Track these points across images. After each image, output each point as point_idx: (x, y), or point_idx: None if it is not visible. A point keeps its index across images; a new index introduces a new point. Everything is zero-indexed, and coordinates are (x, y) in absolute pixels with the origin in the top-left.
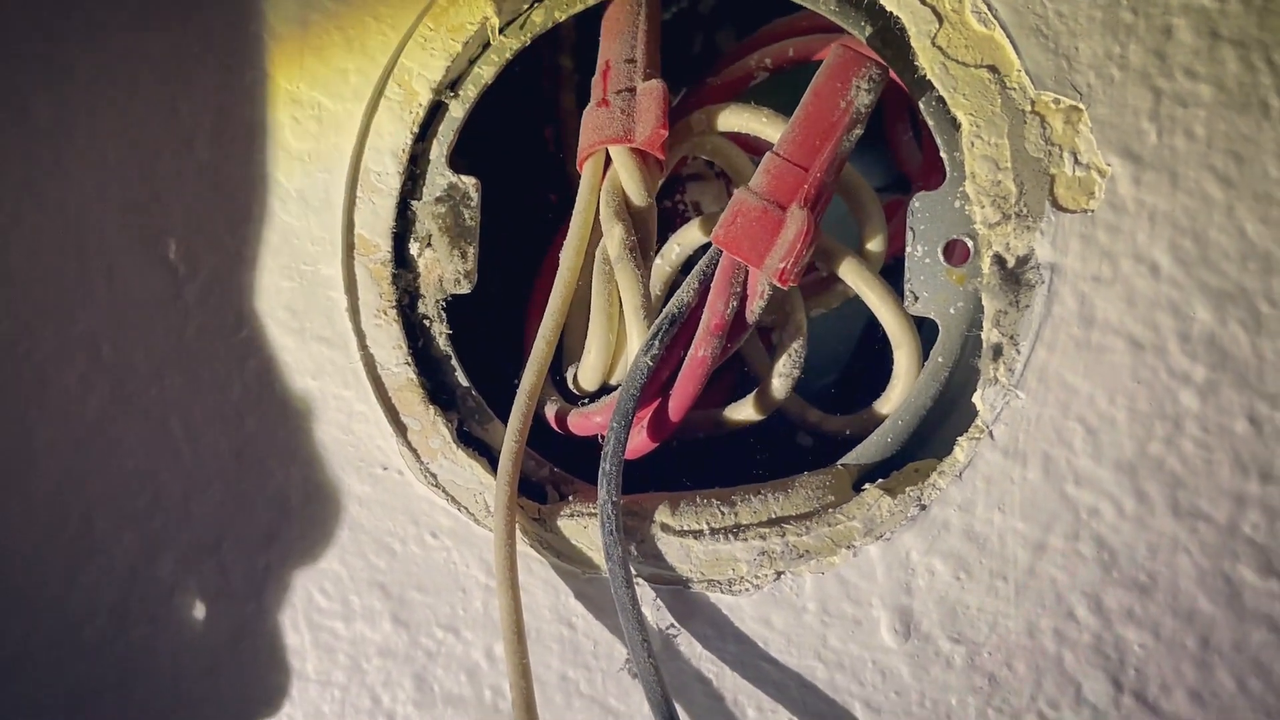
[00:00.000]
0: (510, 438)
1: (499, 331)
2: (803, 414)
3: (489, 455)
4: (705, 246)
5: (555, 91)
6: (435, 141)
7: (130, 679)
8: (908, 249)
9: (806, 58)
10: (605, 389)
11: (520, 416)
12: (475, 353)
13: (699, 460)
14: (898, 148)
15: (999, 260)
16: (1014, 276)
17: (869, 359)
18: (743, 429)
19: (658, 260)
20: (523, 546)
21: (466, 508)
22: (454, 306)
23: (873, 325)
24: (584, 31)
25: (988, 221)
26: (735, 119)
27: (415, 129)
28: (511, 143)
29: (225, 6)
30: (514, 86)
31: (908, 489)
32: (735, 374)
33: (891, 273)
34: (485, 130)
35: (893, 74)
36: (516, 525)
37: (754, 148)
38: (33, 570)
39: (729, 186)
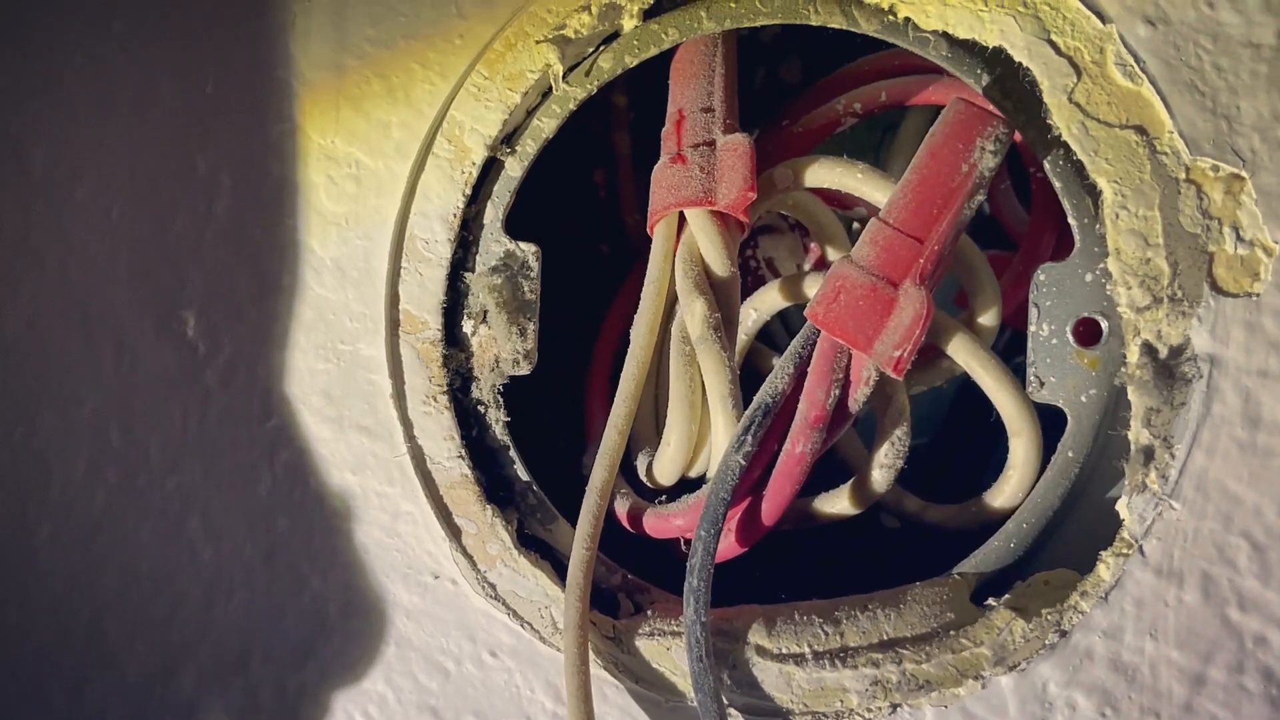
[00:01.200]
0: (580, 544)
1: (545, 400)
2: (899, 501)
3: (553, 559)
4: (788, 313)
5: (607, 132)
6: (490, 204)
7: None
8: (1031, 327)
9: (901, 102)
10: (684, 481)
11: (591, 520)
12: (520, 427)
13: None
14: (994, 199)
15: (1149, 350)
16: (1167, 369)
17: (957, 441)
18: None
19: None
20: (595, 669)
21: (530, 623)
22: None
23: (959, 404)
24: (639, 66)
25: (1135, 305)
26: (826, 175)
27: (468, 190)
28: (557, 189)
29: (248, 47)
30: (561, 127)
31: (1044, 611)
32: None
33: None
34: (528, 177)
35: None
36: (590, 645)
37: (839, 202)
38: (34, 682)
39: (804, 239)
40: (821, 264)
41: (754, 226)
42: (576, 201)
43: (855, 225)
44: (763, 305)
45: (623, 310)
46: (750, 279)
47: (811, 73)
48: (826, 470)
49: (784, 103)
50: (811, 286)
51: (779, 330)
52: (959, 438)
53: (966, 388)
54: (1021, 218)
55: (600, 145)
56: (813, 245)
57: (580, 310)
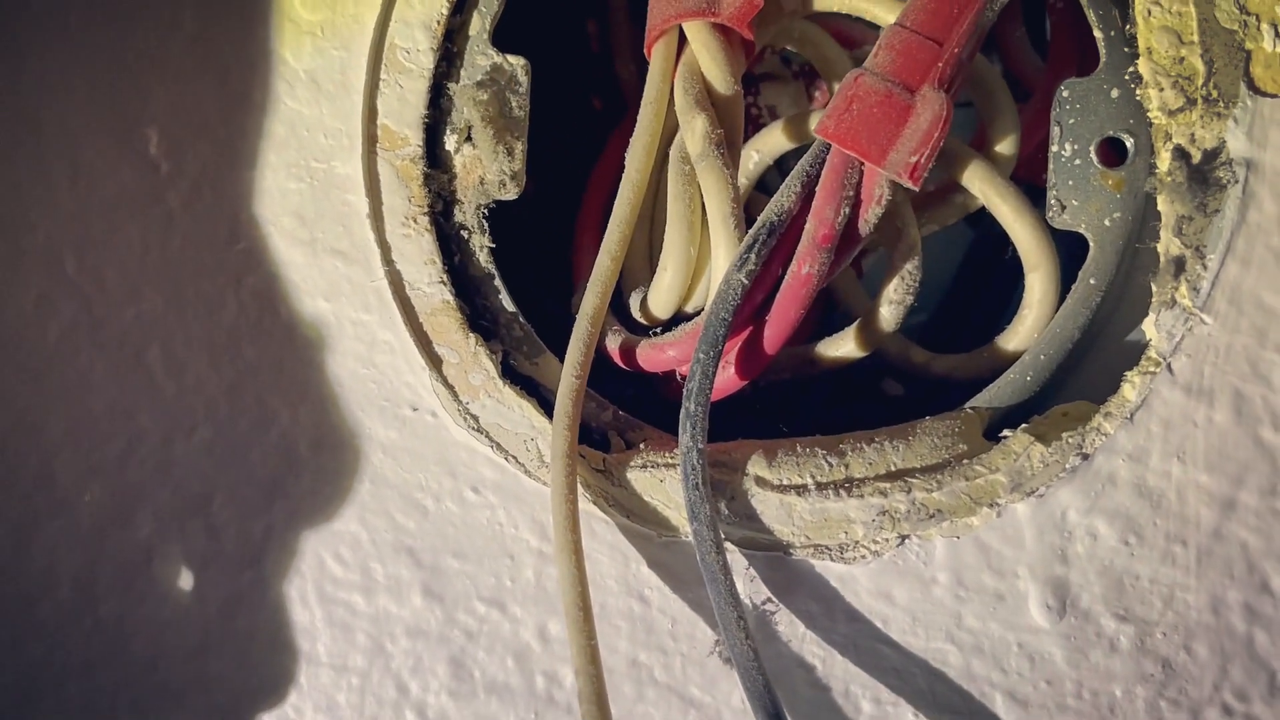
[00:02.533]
0: (569, 372)
1: (531, 253)
2: (905, 353)
3: (539, 394)
4: (794, 153)
5: None
6: (476, 13)
7: (99, 662)
8: (1053, 148)
9: None
10: (678, 318)
11: (582, 346)
12: (505, 264)
13: (763, 411)
14: (1007, 46)
15: (1181, 154)
16: (1200, 174)
17: (970, 292)
18: (828, 370)
19: None
20: (584, 504)
21: (515, 456)
22: (494, 216)
23: (973, 251)
24: None
25: (1167, 108)
26: None
27: None
28: (547, 37)
29: None
30: None
31: (1065, 435)
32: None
33: None
34: (517, 19)
35: None
36: (578, 478)
37: (847, 40)
38: None
39: (809, 88)
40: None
41: (754, 73)
42: (566, 52)
43: None
44: (765, 146)
45: (612, 160)
46: (752, 128)
47: None
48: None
49: None
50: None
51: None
52: (967, 294)
53: (974, 245)
54: (1038, 65)
55: None
56: (818, 95)
57: (569, 162)
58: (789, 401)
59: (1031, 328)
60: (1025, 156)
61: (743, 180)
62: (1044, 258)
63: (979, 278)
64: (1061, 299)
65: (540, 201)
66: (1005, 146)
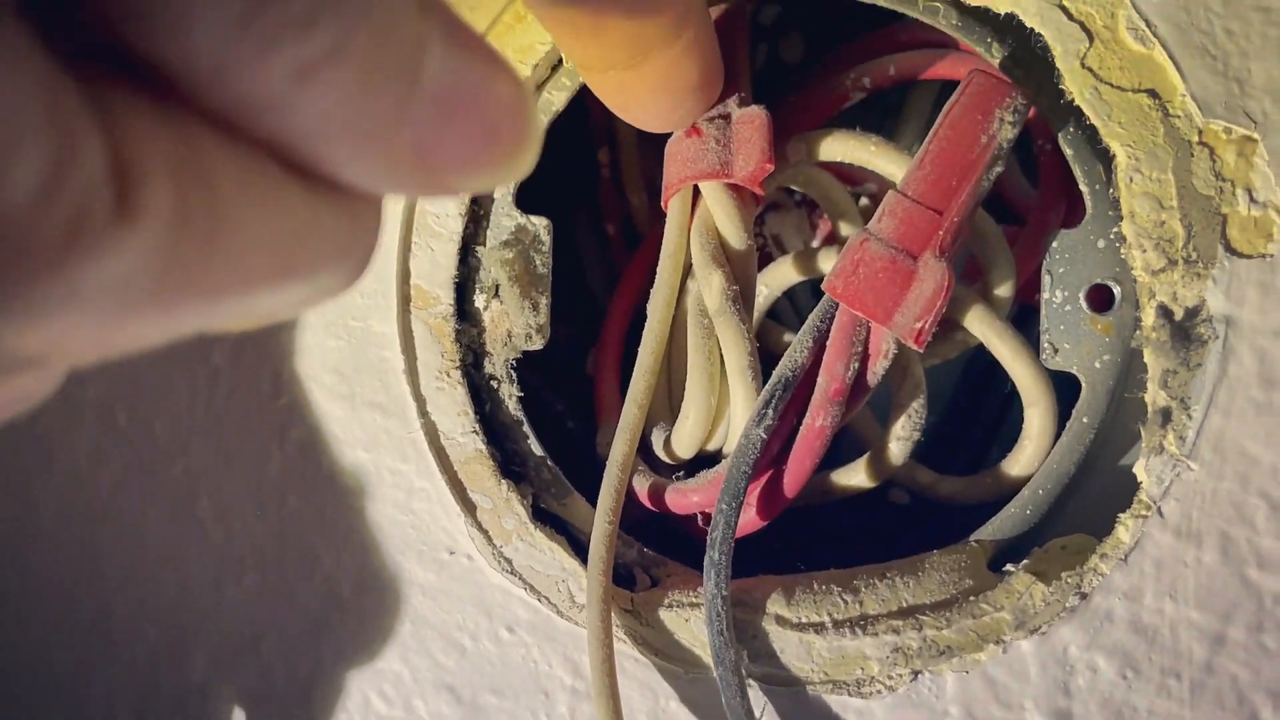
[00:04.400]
0: (602, 518)
1: (551, 382)
2: (912, 474)
3: (568, 534)
4: (806, 290)
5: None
6: None
7: None
8: (1044, 294)
9: (911, 76)
10: (700, 457)
11: (613, 493)
12: (529, 407)
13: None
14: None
15: (1165, 312)
16: (1183, 331)
17: (968, 413)
18: (840, 497)
19: None
20: (615, 643)
21: (548, 597)
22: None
23: (969, 375)
24: None
25: (1150, 268)
26: (840, 148)
27: None
28: (561, 168)
29: None
30: (569, 103)
31: (1064, 575)
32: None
33: None
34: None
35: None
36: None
37: (847, 178)
38: (39, 667)
39: (811, 215)
40: (831, 239)
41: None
42: (582, 181)
43: (863, 201)
44: (774, 280)
45: (628, 291)
46: (758, 257)
47: (813, 50)
48: (838, 445)
49: (785, 83)
50: (824, 261)
51: (786, 310)
52: (968, 411)
53: (973, 361)
54: (1026, 191)
55: (604, 124)
56: (819, 221)
57: (583, 288)
58: (801, 508)
59: (1032, 457)
60: (1022, 283)
61: (755, 315)
62: (1041, 394)
63: (977, 396)
64: (1059, 427)
65: (559, 331)
66: (1003, 290)
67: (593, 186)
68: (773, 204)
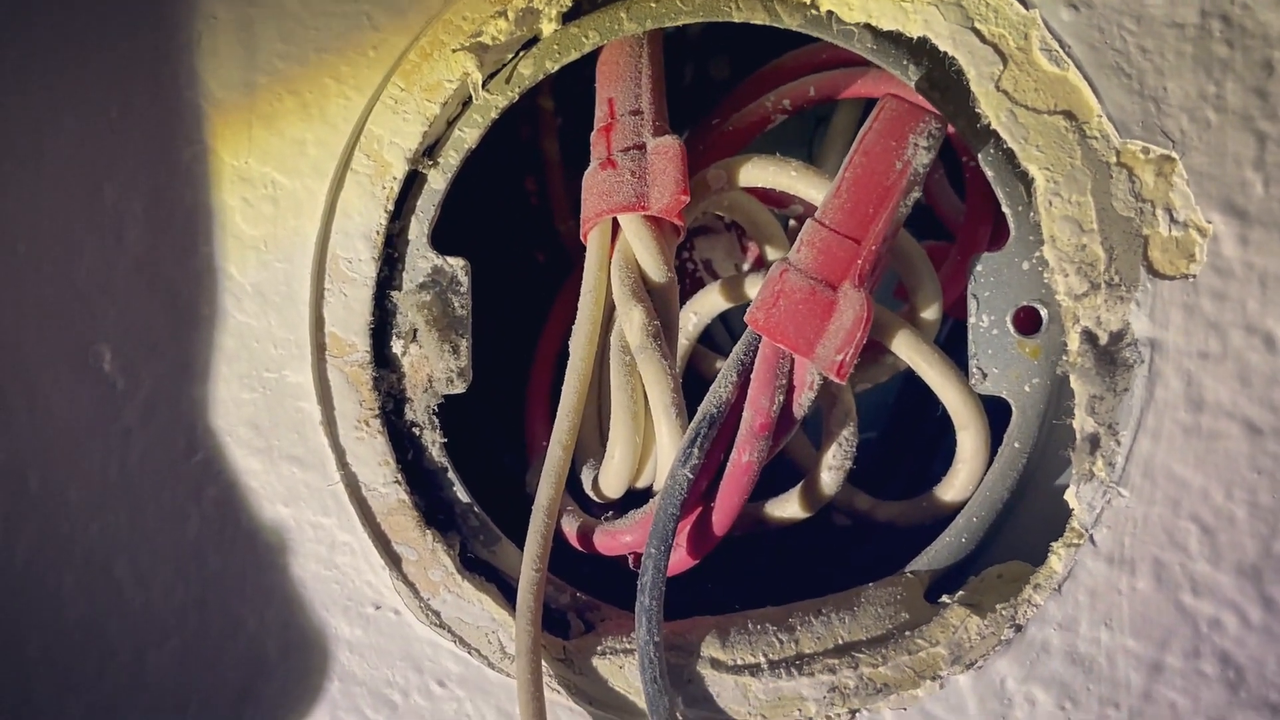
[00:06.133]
0: (529, 565)
1: (482, 410)
2: (850, 500)
3: (498, 581)
4: (729, 314)
5: (536, 138)
6: (414, 219)
7: None
8: (970, 319)
9: (830, 97)
10: (630, 493)
11: (540, 540)
12: (461, 446)
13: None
14: (928, 188)
15: (1089, 337)
16: (1108, 356)
17: (905, 435)
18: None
19: None
20: (549, 693)
21: (478, 649)
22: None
23: (905, 397)
24: (564, 69)
25: (1073, 292)
26: (760, 174)
27: (390, 206)
28: (488, 198)
29: (152, 68)
30: (486, 135)
31: (998, 606)
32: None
33: None
34: (456, 186)
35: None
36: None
37: (774, 200)
38: None
39: (741, 238)
40: (760, 263)
41: (689, 228)
42: (508, 210)
43: (792, 222)
44: (703, 308)
45: (560, 320)
46: (688, 281)
47: (740, 69)
48: (775, 469)
49: (713, 101)
50: (752, 287)
51: (720, 331)
52: (906, 431)
53: (911, 379)
54: (957, 206)
55: (529, 151)
56: (750, 244)
57: (518, 321)
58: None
59: (966, 481)
60: (951, 300)
61: (683, 341)
62: (971, 418)
63: (915, 418)
64: (994, 452)
65: (492, 361)
66: (929, 313)
67: (521, 216)
68: (702, 228)
